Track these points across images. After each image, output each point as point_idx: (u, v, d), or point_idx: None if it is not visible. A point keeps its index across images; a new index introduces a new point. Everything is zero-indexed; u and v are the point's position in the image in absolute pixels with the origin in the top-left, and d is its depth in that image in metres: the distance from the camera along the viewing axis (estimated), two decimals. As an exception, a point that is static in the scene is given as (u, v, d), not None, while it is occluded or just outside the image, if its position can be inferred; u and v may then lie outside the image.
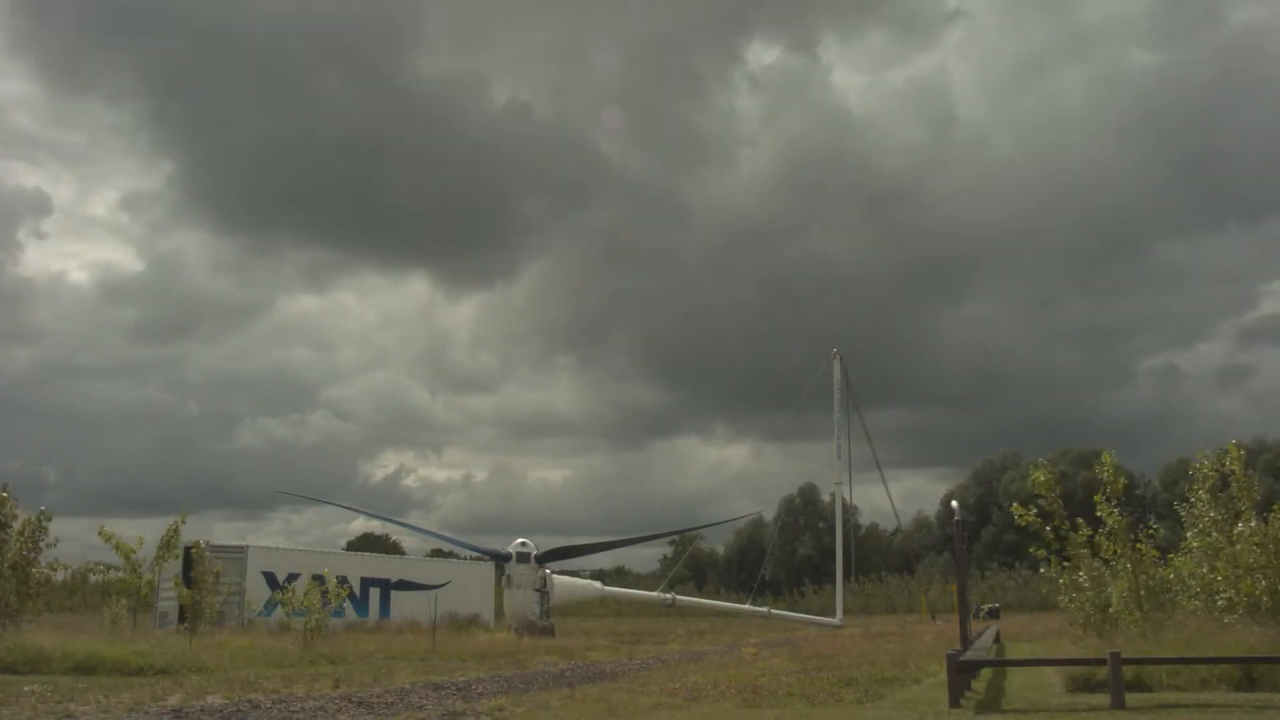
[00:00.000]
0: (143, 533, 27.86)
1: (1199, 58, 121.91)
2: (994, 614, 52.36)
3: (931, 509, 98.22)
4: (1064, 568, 20.14)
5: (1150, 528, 20.08)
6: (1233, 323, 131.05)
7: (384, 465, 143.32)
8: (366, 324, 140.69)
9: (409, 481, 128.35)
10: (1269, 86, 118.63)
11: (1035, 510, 19.89)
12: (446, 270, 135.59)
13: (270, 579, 33.66)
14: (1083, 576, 19.77)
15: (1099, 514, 19.70)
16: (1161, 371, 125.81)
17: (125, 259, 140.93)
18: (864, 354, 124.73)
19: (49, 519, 20.65)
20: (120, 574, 27.04)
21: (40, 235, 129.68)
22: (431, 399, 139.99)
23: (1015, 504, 20.57)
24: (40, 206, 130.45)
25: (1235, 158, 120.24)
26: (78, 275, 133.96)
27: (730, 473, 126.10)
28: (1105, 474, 20.17)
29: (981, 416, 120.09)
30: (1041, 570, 21.86)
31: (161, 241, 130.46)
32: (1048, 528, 19.77)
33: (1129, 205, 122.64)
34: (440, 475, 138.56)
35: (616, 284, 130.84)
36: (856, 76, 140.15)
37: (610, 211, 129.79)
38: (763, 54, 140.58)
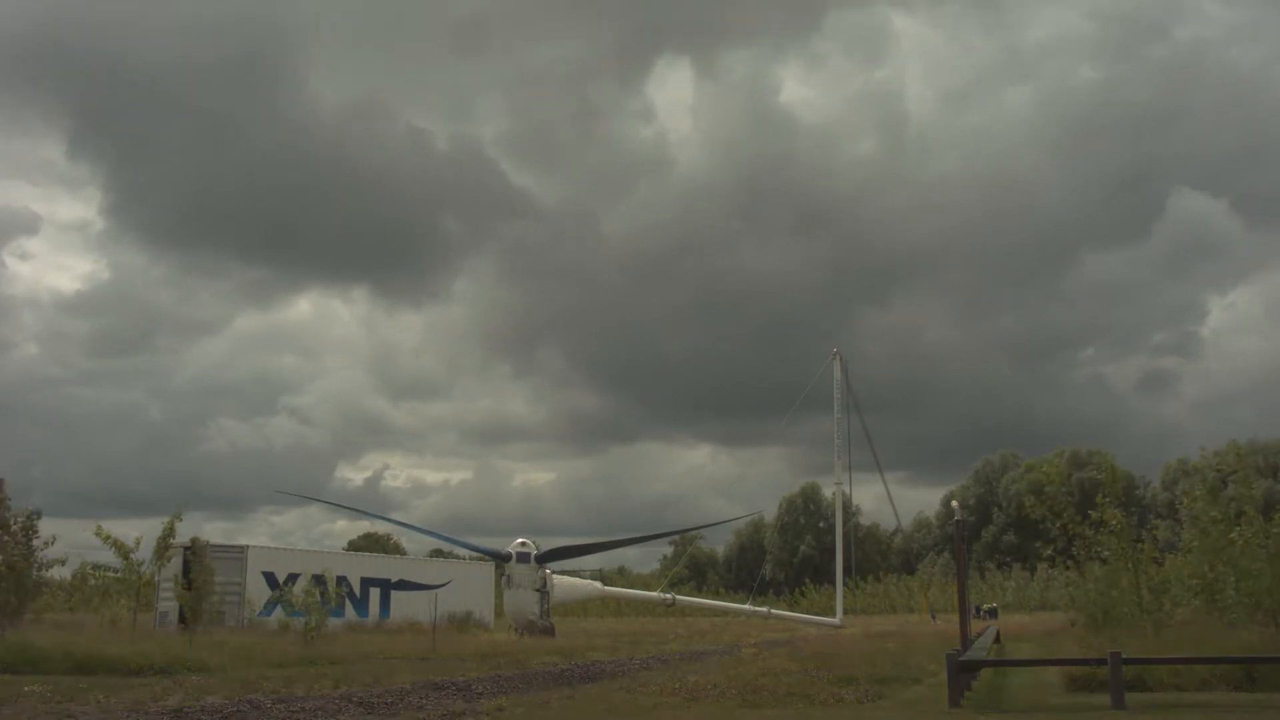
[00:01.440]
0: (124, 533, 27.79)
1: (1142, 74, 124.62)
2: (992, 614, 52.04)
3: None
4: (1068, 566, 20.14)
5: (1151, 526, 20.09)
6: (1165, 333, 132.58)
7: (360, 468, 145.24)
8: (315, 336, 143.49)
9: (389, 484, 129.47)
10: (1209, 102, 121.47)
11: (1044, 505, 19.90)
12: (382, 286, 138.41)
13: (270, 579, 33.63)
14: (1087, 577, 19.79)
15: (1096, 515, 19.71)
16: (1093, 380, 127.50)
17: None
18: (797, 361, 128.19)
19: (38, 517, 20.65)
20: (118, 574, 26.99)
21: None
22: (391, 405, 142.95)
23: (1028, 496, 20.57)
24: (29, 226, 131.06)
25: (1174, 172, 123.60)
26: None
27: (702, 475, 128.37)
28: (1105, 475, 20.20)
29: (915, 423, 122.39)
30: (1042, 567, 21.87)
31: (107, 261, 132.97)
32: (1057, 524, 19.76)
33: (1063, 218, 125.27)
34: (412, 478, 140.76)
35: (547, 298, 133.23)
36: (802, 90, 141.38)
37: (534, 228, 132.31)
38: (700, 66, 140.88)
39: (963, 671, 13.59)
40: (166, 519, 26.04)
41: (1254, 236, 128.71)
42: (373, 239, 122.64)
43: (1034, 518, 20.15)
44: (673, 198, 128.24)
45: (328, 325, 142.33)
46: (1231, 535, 17.83)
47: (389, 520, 71.61)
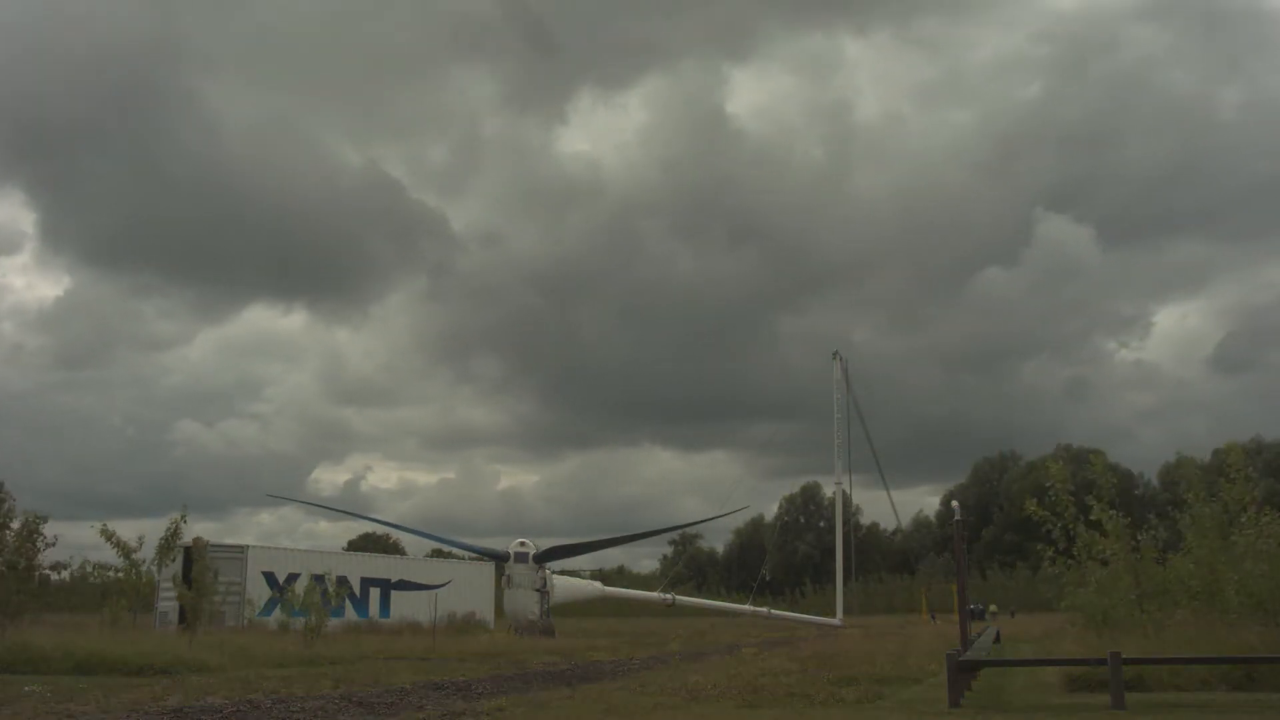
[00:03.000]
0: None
1: (1084, 91, 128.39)
2: (978, 614, 51.07)
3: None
4: (1069, 566, 20.10)
5: (1151, 526, 20.06)
6: (1094, 344, 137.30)
7: (338, 471, 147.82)
8: (265, 350, 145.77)
9: (367, 486, 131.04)
10: (1149, 116, 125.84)
11: (1045, 505, 19.86)
12: (317, 304, 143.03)
13: (270, 579, 33.65)
14: (1089, 578, 19.76)
15: (1093, 516, 19.68)
16: (1026, 386, 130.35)
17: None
18: (731, 369, 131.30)
19: (44, 520, 20.68)
20: (119, 573, 26.99)
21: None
22: (354, 413, 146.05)
23: (1029, 498, 20.55)
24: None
25: (1113, 184, 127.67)
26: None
27: (665, 478, 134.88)
28: (1097, 474, 20.16)
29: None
30: (1044, 569, 21.83)
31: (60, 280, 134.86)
32: (1058, 525, 19.72)
33: (993, 231, 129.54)
34: (388, 481, 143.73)
35: (478, 312, 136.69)
36: (747, 105, 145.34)
37: (458, 247, 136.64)
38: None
39: (963, 671, 13.58)
40: (171, 519, 26.06)
41: (1110, 256, 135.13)
42: (303, 260, 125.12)
43: (1036, 520, 20.09)
44: (605, 213, 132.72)
45: (275, 339, 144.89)
46: (1231, 536, 17.84)
47: (387, 524, 71.54)
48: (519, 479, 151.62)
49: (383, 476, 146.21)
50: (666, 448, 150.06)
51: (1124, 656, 12.72)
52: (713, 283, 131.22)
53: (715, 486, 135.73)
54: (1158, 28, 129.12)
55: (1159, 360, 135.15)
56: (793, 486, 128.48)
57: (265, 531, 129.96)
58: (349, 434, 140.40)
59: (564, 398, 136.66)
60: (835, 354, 57.80)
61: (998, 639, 30.20)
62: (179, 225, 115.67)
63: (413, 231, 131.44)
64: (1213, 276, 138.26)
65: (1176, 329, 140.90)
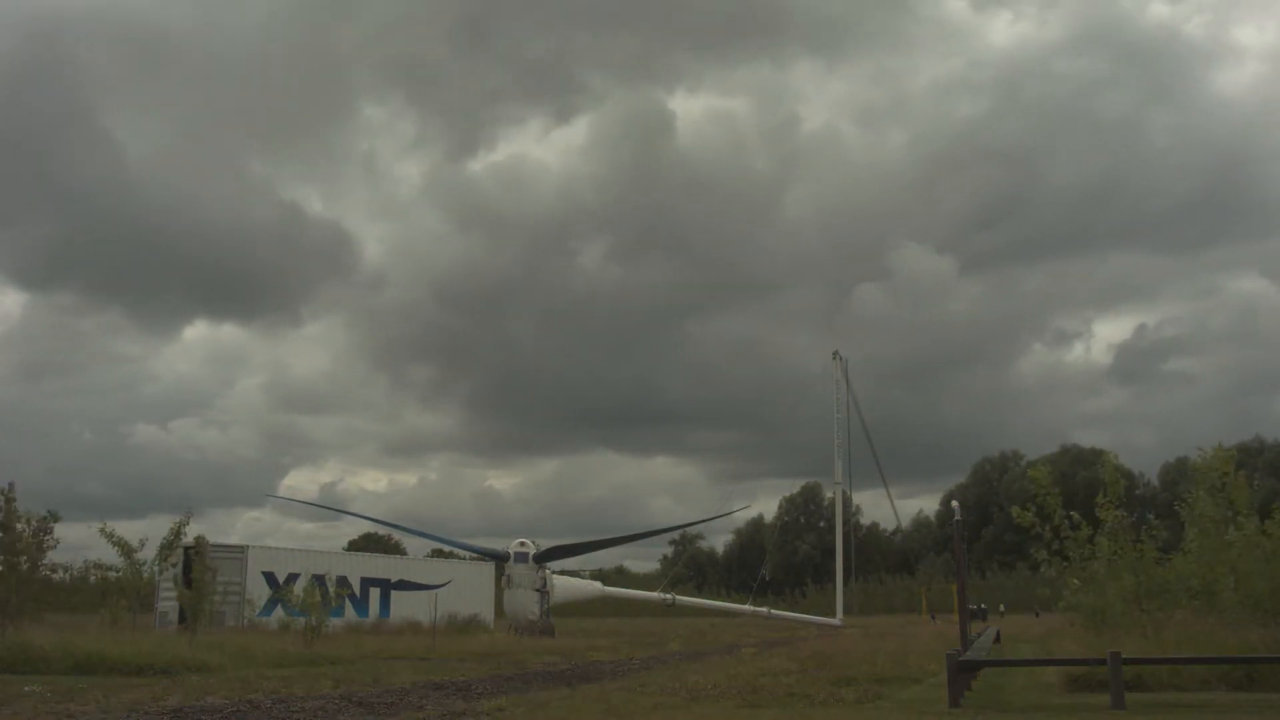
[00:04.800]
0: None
1: (1019, 107, 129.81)
2: (981, 615, 50.89)
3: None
4: (1065, 567, 20.11)
5: (1152, 527, 20.06)
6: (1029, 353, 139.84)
7: (301, 478, 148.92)
8: (207, 363, 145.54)
9: (341, 490, 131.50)
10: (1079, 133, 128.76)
11: (1033, 510, 19.87)
12: (248, 321, 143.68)
13: (270, 579, 33.65)
14: (1079, 581, 19.78)
15: (1099, 515, 19.70)
16: (958, 394, 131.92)
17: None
18: (655, 376, 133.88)
19: (56, 520, 20.68)
20: (119, 573, 26.99)
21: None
22: (310, 421, 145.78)
23: (1015, 506, 20.58)
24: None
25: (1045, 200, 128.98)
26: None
27: (629, 482, 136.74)
28: (1106, 475, 20.18)
29: (765, 435, 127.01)
30: (1041, 570, 21.82)
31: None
32: (1047, 527, 19.74)
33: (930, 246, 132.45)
34: (354, 485, 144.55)
35: (396, 324, 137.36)
36: (686, 121, 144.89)
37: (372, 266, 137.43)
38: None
39: (963, 671, 13.59)
40: (175, 520, 26.11)
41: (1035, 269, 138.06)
42: (218, 279, 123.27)
43: (1024, 525, 20.09)
44: (535, 228, 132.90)
45: (219, 353, 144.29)
46: (1229, 536, 17.84)
47: (389, 524, 71.51)
48: (493, 482, 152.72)
49: (358, 480, 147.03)
50: (619, 453, 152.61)
51: (1124, 656, 12.73)
52: (640, 293, 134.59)
53: (686, 489, 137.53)
54: (1089, 59, 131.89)
55: (1083, 369, 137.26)
56: (740, 491, 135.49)
57: (248, 534, 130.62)
58: (305, 440, 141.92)
59: (505, 407, 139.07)
60: (835, 354, 57.72)
61: (998, 639, 30.20)
62: (99, 247, 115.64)
63: (335, 249, 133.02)
64: (1142, 288, 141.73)
65: (1107, 338, 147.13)
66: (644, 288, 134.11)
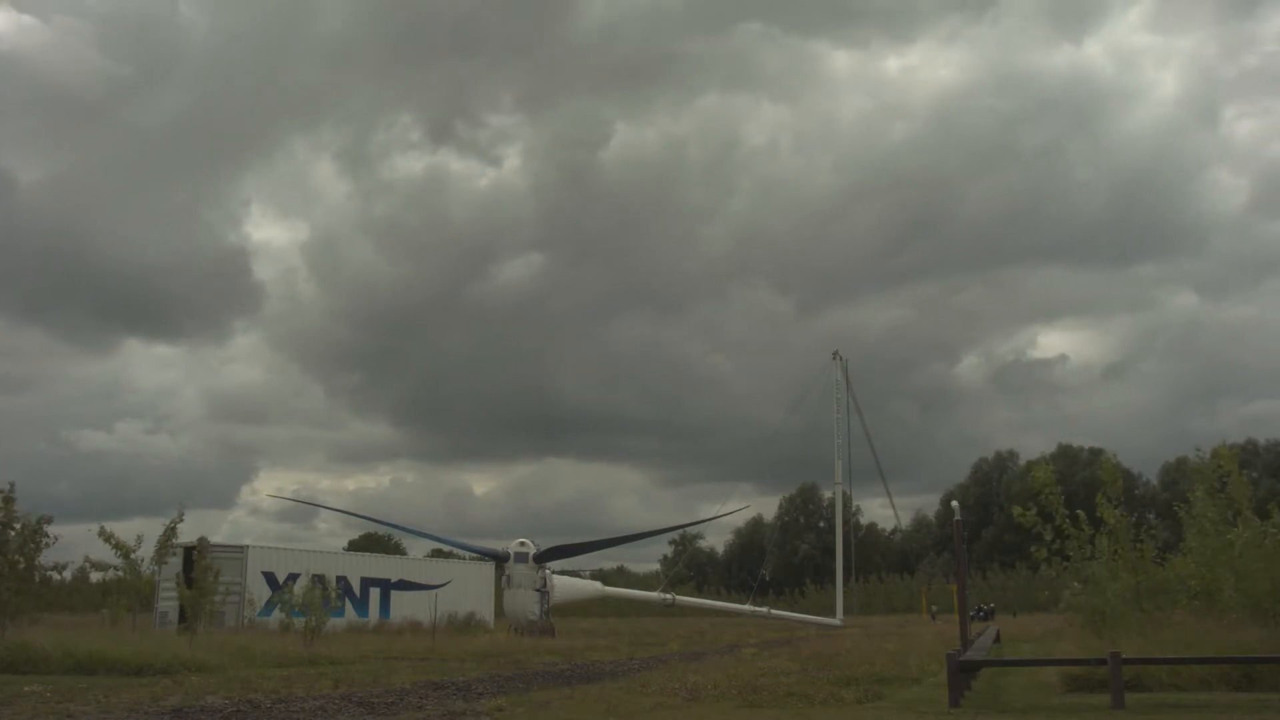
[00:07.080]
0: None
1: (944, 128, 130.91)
2: (987, 615, 50.73)
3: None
4: (1065, 567, 20.13)
5: (1151, 527, 20.10)
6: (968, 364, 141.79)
7: (266, 483, 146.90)
8: (146, 378, 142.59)
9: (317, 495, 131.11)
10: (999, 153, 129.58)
11: (1034, 509, 19.90)
12: (176, 339, 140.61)
13: (270, 579, 33.67)
14: (1077, 582, 19.80)
15: (1100, 515, 19.72)
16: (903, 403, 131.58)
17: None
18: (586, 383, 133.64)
19: (49, 521, 20.68)
20: (118, 573, 27.01)
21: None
22: (264, 429, 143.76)
23: (1016, 506, 20.60)
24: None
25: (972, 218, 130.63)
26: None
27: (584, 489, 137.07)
28: (1104, 474, 20.20)
29: (693, 442, 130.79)
30: (1041, 570, 21.85)
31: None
32: (1048, 526, 19.76)
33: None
34: (317, 491, 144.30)
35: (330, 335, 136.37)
36: (623, 139, 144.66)
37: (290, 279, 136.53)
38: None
39: (963, 671, 13.60)
40: (169, 520, 26.09)
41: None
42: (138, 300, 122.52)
43: (1025, 525, 20.10)
44: (460, 240, 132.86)
45: (154, 369, 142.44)
46: (1229, 536, 17.86)
47: (390, 525, 71.45)
48: (466, 485, 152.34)
49: (312, 488, 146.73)
50: (562, 458, 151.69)
51: (1123, 656, 12.74)
52: (564, 300, 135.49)
53: (649, 492, 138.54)
54: (1012, 95, 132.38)
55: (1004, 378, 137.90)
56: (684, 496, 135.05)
57: (228, 536, 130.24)
58: (253, 449, 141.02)
59: (434, 417, 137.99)
60: (835, 354, 57.75)
61: (998, 639, 30.22)
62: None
63: (256, 264, 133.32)
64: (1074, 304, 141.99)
65: (1022, 350, 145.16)
66: (565, 292, 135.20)
